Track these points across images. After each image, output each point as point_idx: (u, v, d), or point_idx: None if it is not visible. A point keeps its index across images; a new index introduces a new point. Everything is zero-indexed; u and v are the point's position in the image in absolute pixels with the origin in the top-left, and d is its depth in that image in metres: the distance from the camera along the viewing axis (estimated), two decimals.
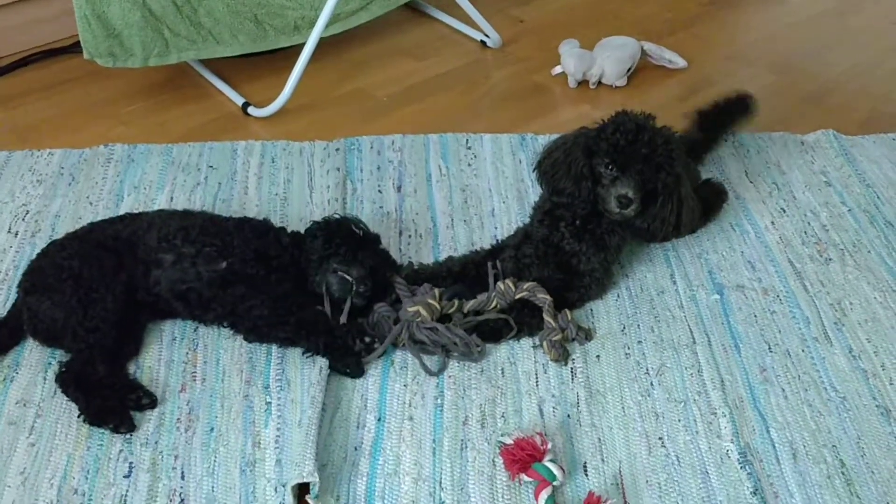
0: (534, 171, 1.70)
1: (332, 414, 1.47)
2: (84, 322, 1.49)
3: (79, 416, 1.44)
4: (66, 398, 1.47)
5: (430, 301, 1.56)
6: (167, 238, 1.59)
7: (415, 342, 1.55)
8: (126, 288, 1.55)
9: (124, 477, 1.37)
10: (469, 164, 2.06)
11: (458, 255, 1.75)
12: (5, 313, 1.61)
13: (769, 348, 1.60)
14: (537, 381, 1.54)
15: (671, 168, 1.61)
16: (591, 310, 1.68)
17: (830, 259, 1.80)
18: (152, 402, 1.48)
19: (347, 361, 1.52)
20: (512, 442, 1.38)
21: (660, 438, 1.44)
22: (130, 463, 1.39)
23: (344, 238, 1.62)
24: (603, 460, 1.41)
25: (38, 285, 1.54)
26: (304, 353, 1.54)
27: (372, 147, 2.11)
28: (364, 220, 1.70)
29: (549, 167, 1.65)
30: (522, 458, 1.35)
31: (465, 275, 1.69)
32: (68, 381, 1.46)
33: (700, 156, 2.02)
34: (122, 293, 1.54)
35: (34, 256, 1.61)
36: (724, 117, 2.04)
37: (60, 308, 1.50)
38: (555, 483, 1.33)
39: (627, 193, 1.58)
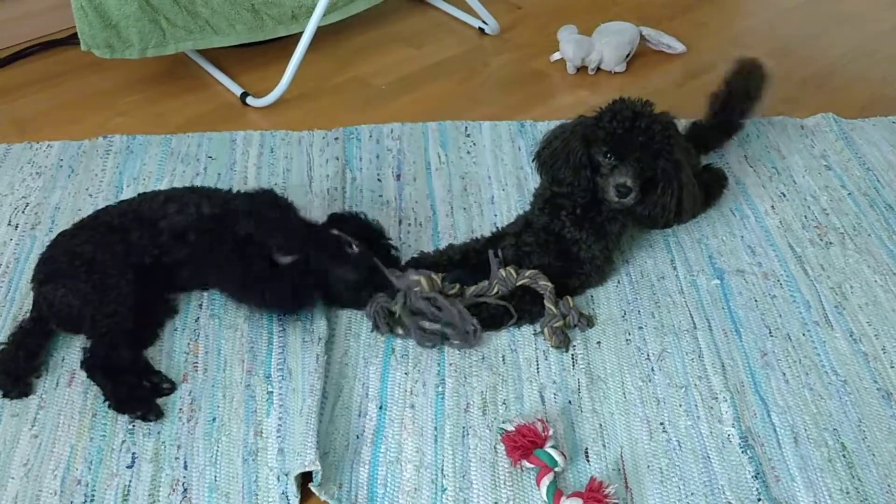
0: (533, 160, 1.70)
1: (333, 402, 1.47)
2: (101, 307, 1.48)
3: (104, 402, 1.44)
4: (67, 389, 1.48)
5: (433, 275, 1.57)
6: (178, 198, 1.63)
7: (413, 312, 1.54)
8: (138, 271, 1.54)
9: (127, 467, 1.38)
10: (468, 152, 2.06)
11: (458, 243, 1.74)
12: (29, 314, 1.57)
13: (770, 332, 1.60)
14: (538, 368, 1.54)
15: (670, 154, 1.60)
16: (592, 296, 1.68)
17: (831, 243, 1.80)
18: (172, 386, 1.48)
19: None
20: (513, 428, 1.39)
21: (661, 424, 1.44)
22: (133, 453, 1.40)
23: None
24: (604, 446, 1.42)
25: (51, 274, 1.53)
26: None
27: (371, 136, 2.10)
28: (363, 210, 1.71)
29: (548, 157, 1.65)
30: (524, 444, 1.35)
31: (465, 263, 1.68)
32: (95, 368, 1.46)
33: (720, 141, 2.01)
34: (133, 276, 1.53)
35: (44, 249, 1.60)
36: (740, 97, 1.98)
37: (75, 295, 1.50)
38: (556, 469, 1.34)
39: (626, 182, 1.57)
